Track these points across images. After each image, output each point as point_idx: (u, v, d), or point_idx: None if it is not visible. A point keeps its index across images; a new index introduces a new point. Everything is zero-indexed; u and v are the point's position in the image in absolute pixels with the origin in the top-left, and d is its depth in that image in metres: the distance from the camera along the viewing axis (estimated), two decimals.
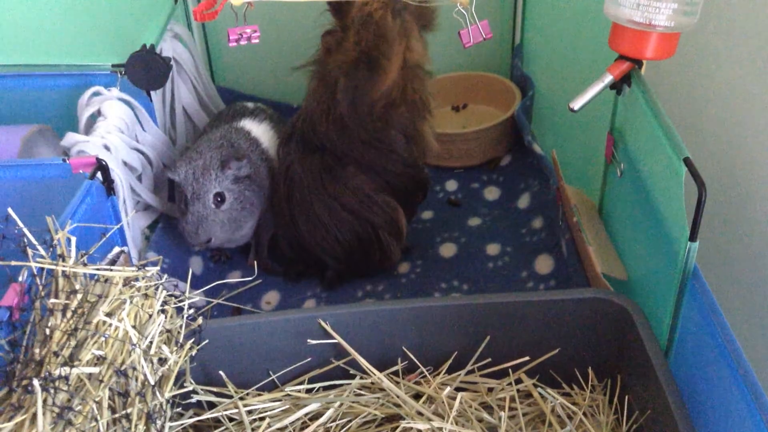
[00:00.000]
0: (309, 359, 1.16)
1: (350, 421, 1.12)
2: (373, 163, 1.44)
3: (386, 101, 1.40)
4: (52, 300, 0.96)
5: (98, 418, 0.87)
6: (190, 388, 1.08)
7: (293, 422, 1.11)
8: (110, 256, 1.14)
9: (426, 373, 1.17)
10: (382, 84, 1.37)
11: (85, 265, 1.02)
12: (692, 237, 0.95)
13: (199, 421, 1.11)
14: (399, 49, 1.36)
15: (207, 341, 1.10)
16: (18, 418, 0.84)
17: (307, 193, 1.45)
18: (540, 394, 1.14)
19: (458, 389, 1.15)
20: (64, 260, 1.00)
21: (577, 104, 1.13)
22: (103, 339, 0.93)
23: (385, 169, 1.46)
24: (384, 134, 1.42)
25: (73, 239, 1.04)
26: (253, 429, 1.10)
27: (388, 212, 1.46)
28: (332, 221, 1.45)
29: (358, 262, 1.50)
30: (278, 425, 1.10)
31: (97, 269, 1.01)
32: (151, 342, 0.99)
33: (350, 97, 1.38)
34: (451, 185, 1.80)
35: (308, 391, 1.17)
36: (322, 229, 1.46)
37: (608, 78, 1.13)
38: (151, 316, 1.01)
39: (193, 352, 1.07)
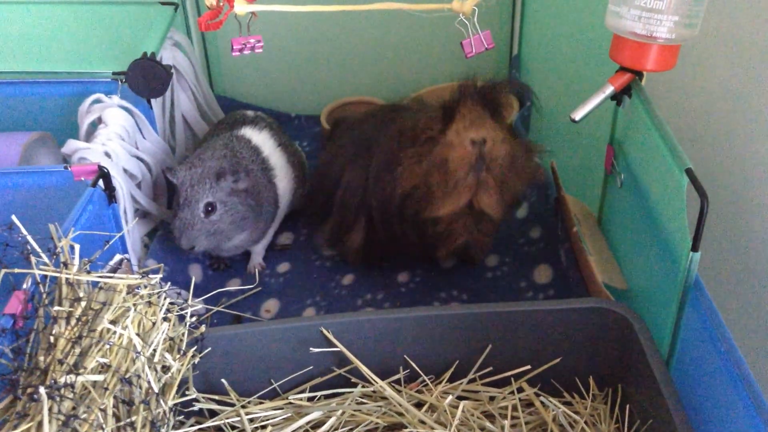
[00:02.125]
0: (311, 367, 1.16)
1: (352, 429, 1.12)
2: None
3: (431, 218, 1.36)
4: (56, 308, 0.96)
5: (103, 425, 0.87)
6: (193, 396, 1.08)
7: (295, 430, 1.11)
8: (112, 263, 1.14)
9: (428, 381, 1.18)
10: (430, 213, 1.34)
11: (88, 272, 1.02)
12: (694, 247, 0.96)
13: (201, 429, 1.11)
14: (461, 197, 1.30)
15: (209, 349, 1.10)
16: (23, 426, 0.83)
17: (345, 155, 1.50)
18: (542, 402, 1.14)
19: (460, 398, 1.15)
20: (67, 268, 1.01)
21: (578, 114, 1.14)
22: (107, 347, 0.93)
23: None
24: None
25: (77, 247, 1.04)
26: None
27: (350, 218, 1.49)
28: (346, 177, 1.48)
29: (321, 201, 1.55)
30: None
31: (101, 277, 1.01)
32: (154, 350, 0.99)
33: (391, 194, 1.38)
34: None
35: (310, 399, 1.17)
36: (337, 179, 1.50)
37: (609, 89, 1.14)
38: (154, 323, 1.01)
39: (196, 360, 1.07)
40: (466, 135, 1.25)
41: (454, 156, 1.26)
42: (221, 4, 1.09)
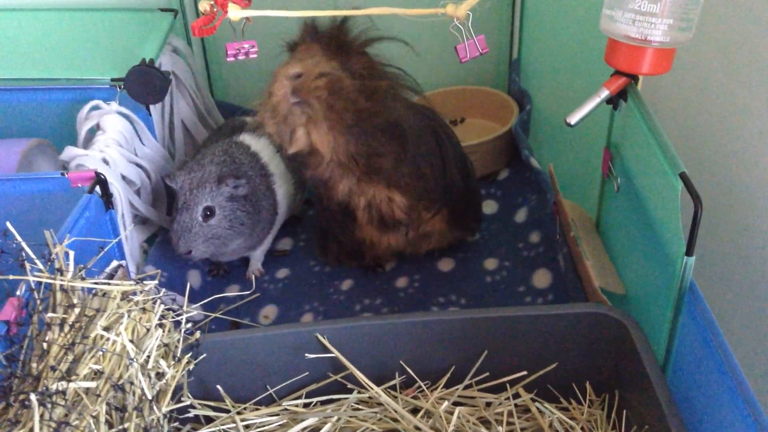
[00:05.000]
0: (306, 373, 1.16)
1: None
2: None
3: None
4: (50, 314, 0.96)
5: None
6: (188, 403, 1.08)
7: None
8: (108, 270, 1.15)
9: (424, 387, 1.17)
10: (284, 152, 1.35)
11: (83, 279, 1.02)
12: (689, 252, 0.95)
13: None
14: (295, 133, 1.31)
15: (204, 355, 1.10)
16: None
17: None
18: (538, 409, 1.14)
19: (456, 404, 1.15)
20: (62, 274, 1.01)
21: (573, 119, 1.14)
22: (100, 353, 0.93)
23: None
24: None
25: (72, 253, 1.04)
26: None
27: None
28: None
29: None
30: None
31: (95, 283, 1.01)
32: (148, 356, 0.99)
33: None
34: None
35: (306, 405, 1.16)
36: None
37: (605, 93, 1.13)
38: (148, 330, 1.01)
39: (191, 367, 1.07)
40: (285, 70, 1.28)
41: (274, 89, 1.28)
42: (215, 9, 1.10)
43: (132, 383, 0.94)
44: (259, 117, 1.34)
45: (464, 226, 1.58)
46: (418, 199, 1.42)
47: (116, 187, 1.34)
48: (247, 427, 1.12)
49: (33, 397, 0.84)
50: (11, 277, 0.99)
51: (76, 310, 0.97)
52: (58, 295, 0.99)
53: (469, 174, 1.56)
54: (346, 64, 1.29)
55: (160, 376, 1.01)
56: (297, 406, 1.15)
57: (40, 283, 0.99)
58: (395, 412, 1.12)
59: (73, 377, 0.89)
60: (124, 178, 1.43)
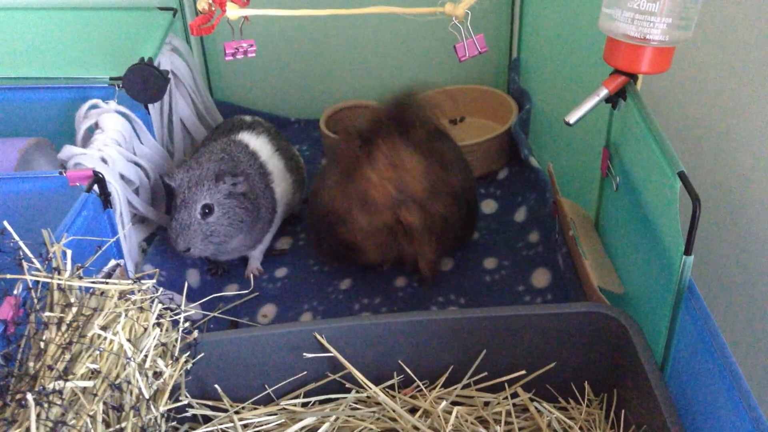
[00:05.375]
0: (305, 373, 1.16)
1: None
2: None
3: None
4: (47, 313, 0.95)
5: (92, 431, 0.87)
6: (185, 402, 1.07)
7: None
8: (106, 269, 1.14)
9: (422, 387, 1.17)
10: (350, 232, 1.41)
11: (80, 278, 1.02)
12: (687, 251, 0.95)
13: None
14: (382, 216, 1.36)
15: (202, 355, 1.10)
16: None
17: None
18: (536, 408, 1.14)
19: (454, 403, 1.15)
20: (59, 273, 1.00)
21: (572, 118, 1.14)
22: (97, 352, 0.93)
23: None
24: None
25: (69, 252, 1.04)
26: None
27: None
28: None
29: None
30: None
31: (93, 282, 1.01)
32: (146, 355, 0.98)
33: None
34: None
35: (304, 405, 1.16)
36: None
37: (603, 92, 1.13)
38: (146, 329, 1.01)
39: (189, 366, 1.07)
40: (387, 177, 1.33)
41: (375, 194, 1.34)
42: (213, 8, 1.09)
43: (129, 383, 0.94)
44: (358, 220, 1.38)
45: (460, 241, 1.60)
46: (440, 239, 1.45)
47: (114, 186, 1.34)
48: (245, 426, 1.12)
49: (30, 396, 0.84)
50: (9, 276, 0.99)
51: (74, 309, 0.96)
52: (56, 294, 0.99)
53: (474, 198, 1.59)
54: (412, 138, 1.34)
55: (157, 375, 1.01)
56: (295, 405, 1.15)
57: (37, 282, 0.99)
58: (393, 411, 1.11)
59: (70, 376, 0.89)
60: (122, 177, 1.43)
